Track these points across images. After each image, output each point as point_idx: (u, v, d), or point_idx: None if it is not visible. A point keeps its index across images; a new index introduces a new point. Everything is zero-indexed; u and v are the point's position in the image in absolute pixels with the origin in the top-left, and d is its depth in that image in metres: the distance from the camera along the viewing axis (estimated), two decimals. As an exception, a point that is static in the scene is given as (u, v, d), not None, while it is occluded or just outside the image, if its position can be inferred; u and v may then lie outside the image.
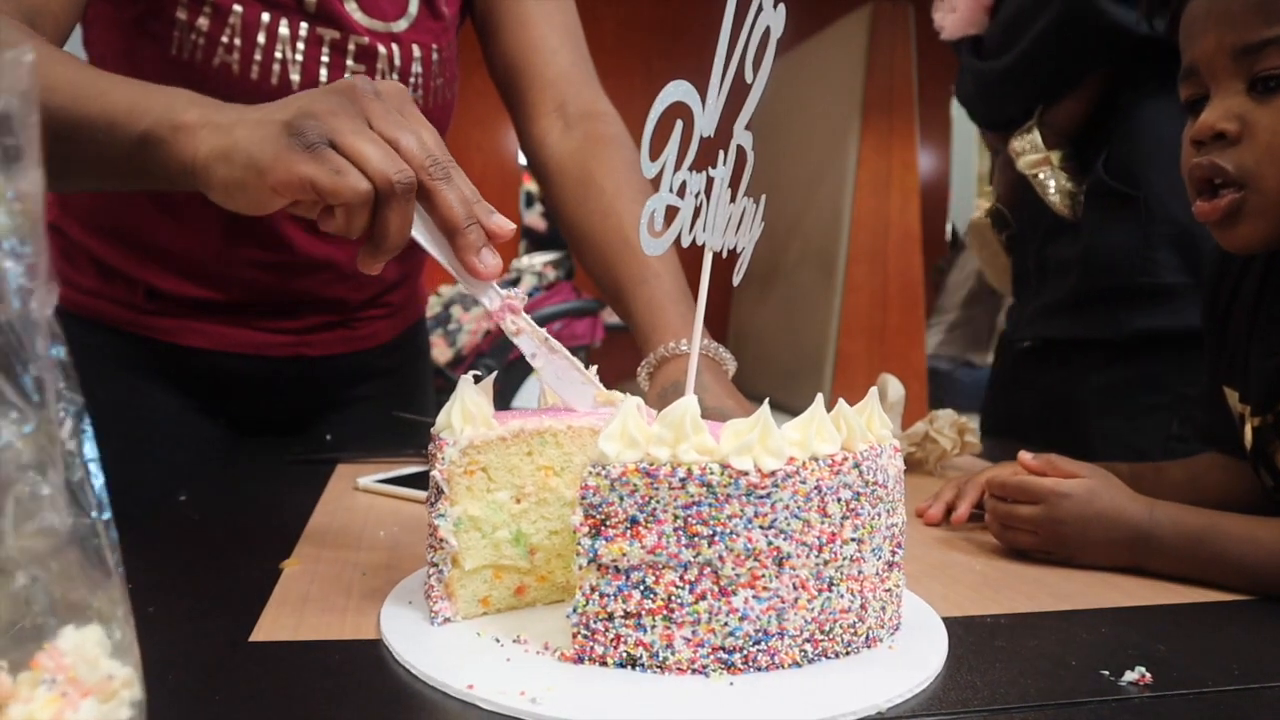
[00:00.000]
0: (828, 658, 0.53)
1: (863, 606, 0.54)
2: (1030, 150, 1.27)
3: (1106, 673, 0.54)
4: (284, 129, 0.57)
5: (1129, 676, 0.53)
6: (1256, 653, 0.59)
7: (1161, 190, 1.17)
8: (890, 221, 3.37)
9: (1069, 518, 0.74)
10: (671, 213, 0.56)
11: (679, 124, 0.54)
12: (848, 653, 0.54)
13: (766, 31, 0.56)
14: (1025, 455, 0.80)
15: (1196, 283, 1.15)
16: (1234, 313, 0.87)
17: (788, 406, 0.54)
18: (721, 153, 0.57)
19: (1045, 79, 1.26)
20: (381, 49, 1.00)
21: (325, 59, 0.97)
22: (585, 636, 0.51)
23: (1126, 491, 0.76)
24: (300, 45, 0.95)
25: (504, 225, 0.60)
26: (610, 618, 0.51)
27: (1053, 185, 1.26)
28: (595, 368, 0.65)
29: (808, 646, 0.52)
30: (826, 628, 0.53)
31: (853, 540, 0.53)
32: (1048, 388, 1.35)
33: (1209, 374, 0.92)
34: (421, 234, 0.60)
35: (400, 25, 1.01)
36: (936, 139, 4.78)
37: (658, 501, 0.50)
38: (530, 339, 0.62)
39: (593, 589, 0.51)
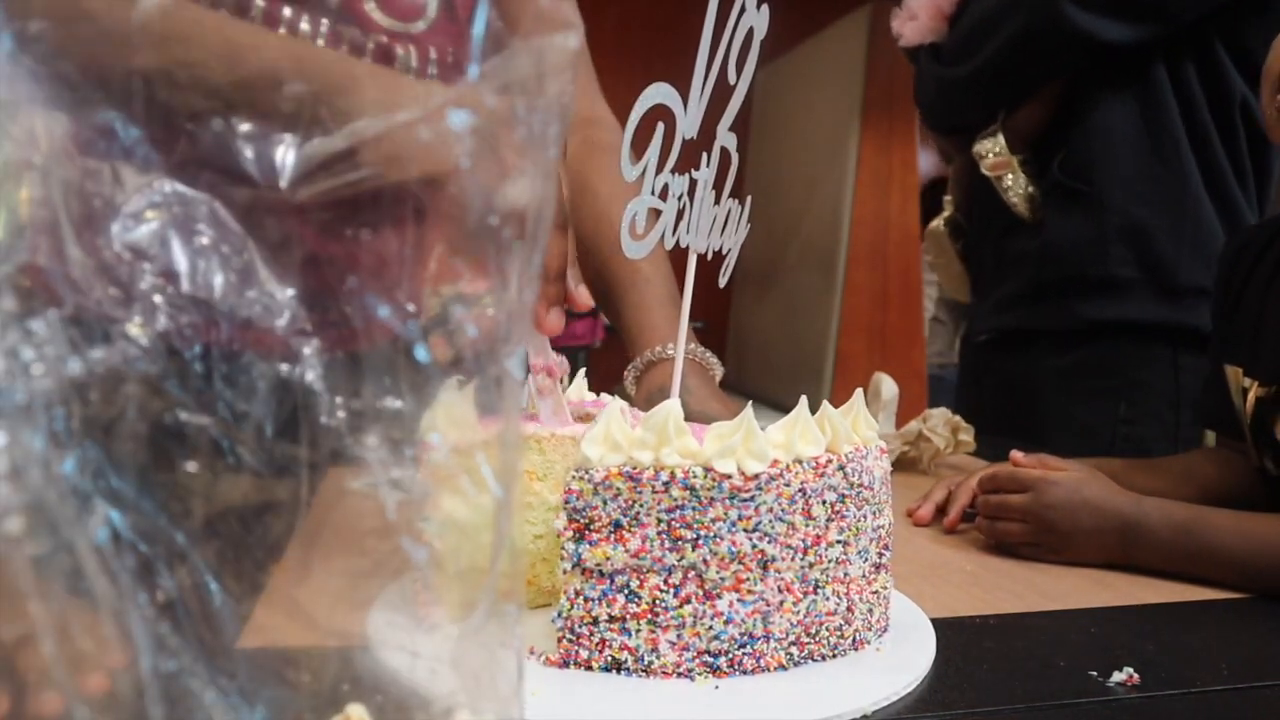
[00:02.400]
0: (814, 661, 0.53)
1: (849, 609, 0.54)
2: (994, 154, 1.33)
3: (1095, 673, 0.54)
4: None
5: (1117, 677, 0.53)
6: (1245, 652, 0.59)
7: (1114, 185, 1.24)
8: (890, 221, 3.36)
9: (1057, 504, 0.75)
10: (655, 216, 0.56)
11: (660, 126, 0.54)
12: (834, 655, 0.54)
13: (750, 32, 0.55)
14: (1017, 453, 0.80)
15: (1145, 277, 1.23)
16: (1247, 292, 0.89)
17: (788, 407, 0.54)
18: (705, 154, 0.57)
19: (1010, 85, 1.31)
20: (399, 50, 1.00)
21: None
22: (570, 641, 0.51)
23: (1113, 485, 0.77)
24: (320, 43, 0.95)
25: (585, 298, 0.64)
26: (595, 622, 0.51)
27: (1015, 188, 1.33)
28: (584, 371, 0.65)
29: (793, 649, 0.52)
30: (812, 630, 0.53)
31: (838, 542, 0.53)
32: (1006, 374, 1.42)
33: (1213, 356, 0.94)
34: None
35: (419, 26, 1.01)
36: (936, 138, 4.77)
37: (641, 505, 0.49)
38: (549, 406, 0.62)
39: (577, 593, 0.51)
